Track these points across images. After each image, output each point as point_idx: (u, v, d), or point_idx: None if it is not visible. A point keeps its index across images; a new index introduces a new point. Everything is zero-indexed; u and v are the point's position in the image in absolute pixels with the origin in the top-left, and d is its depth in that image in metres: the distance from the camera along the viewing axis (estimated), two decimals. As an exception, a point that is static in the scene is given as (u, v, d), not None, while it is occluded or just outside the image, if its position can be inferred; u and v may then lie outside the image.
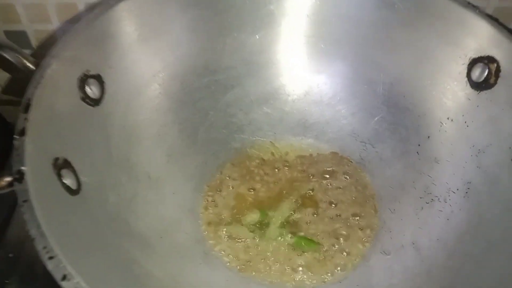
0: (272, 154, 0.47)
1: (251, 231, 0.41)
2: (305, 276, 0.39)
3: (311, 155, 0.46)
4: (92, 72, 0.38)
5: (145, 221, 0.38)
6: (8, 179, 0.28)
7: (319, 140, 0.47)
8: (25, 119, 0.30)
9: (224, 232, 0.41)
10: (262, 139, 0.47)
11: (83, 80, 0.37)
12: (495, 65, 0.38)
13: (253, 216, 0.42)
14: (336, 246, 0.40)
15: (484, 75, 0.39)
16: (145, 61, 0.43)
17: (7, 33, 0.51)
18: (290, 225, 0.41)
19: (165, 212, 0.40)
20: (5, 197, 0.29)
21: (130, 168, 0.40)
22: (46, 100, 0.32)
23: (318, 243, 0.40)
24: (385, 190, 0.43)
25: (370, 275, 0.38)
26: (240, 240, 0.40)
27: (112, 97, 0.39)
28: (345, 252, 0.40)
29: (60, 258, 0.25)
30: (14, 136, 0.29)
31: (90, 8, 0.49)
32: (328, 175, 0.45)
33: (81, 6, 0.49)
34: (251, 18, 0.46)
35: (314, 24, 0.46)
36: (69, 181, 0.32)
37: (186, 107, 0.45)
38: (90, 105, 0.37)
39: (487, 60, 0.38)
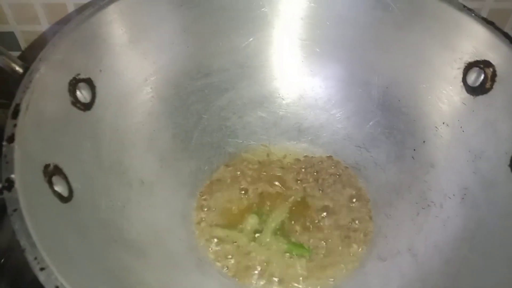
0: (266, 158, 0.46)
1: (245, 237, 0.40)
2: (299, 284, 0.38)
3: (305, 159, 0.46)
4: (83, 76, 0.37)
5: (138, 228, 0.37)
6: (-3, 186, 0.27)
7: (314, 144, 0.47)
8: (14, 125, 0.30)
9: (217, 239, 0.40)
10: (256, 143, 0.47)
11: (74, 84, 0.36)
12: (491, 69, 0.38)
13: (250, 222, 0.41)
14: (331, 252, 0.40)
15: (480, 79, 0.39)
16: (137, 64, 0.42)
17: (-6, 34, 0.50)
18: (283, 231, 0.41)
19: (158, 218, 0.39)
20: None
21: (122, 173, 0.39)
22: (35, 105, 0.32)
23: (310, 250, 0.39)
24: (380, 195, 0.42)
25: (366, 281, 0.38)
26: (233, 246, 0.40)
27: (103, 101, 0.38)
28: (340, 258, 0.39)
29: (51, 269, 0.25)
30: (3, 142, 0.28)
31: (80, 9, 0.48)
32: (323, 180, 0.44)
33: (70, 7, 0.48)
34: (244, 20, 0.45)
35: (308, 27, 0.45)
36: (60, 188, 0.31)
37: (179, 111, 0.45)
38: (80, 109, 0.36)
39: (483, 65, 0.38)
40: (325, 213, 0.42)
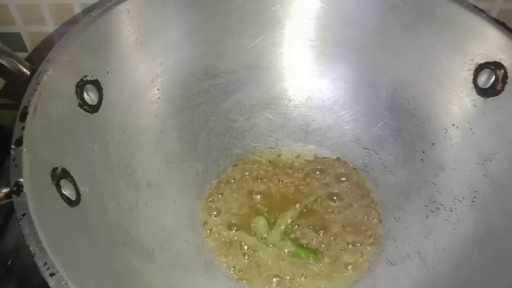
0: (274, 160, 0.46)
1: (252, 239, 0.40)
2: None
3: (313, 161, 0.46)
4: (90, 78, 0.37)
5: (145, 230, 0.37)
6: (5, 190, 0.27)
7: (321, 146, 0.47)
8: (22, 128, 0.29)
9: (225, 241, 0.40)
10: (264, 145, 0.47)
11: (81, 86, 0.36)
12: (503, 71, 0.37)
13: (257, 224, 0.41)
14: (340, 256, 0.39)
15: (491, 81, 0.38)
16: (144, 65, 0.42)
17: (1, 35, 0.49)
18: (291, 234, 0.40)
19: (165, 220, 0.39)
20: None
21: (129, 175, 0.39)
22: (43, 108, 0.31)
23: (318, 254, 0.39)
24: (389, 198, 0.42)
25: (375, 286, 0.37)
26: (241, 249, 0.39)
27: (111, 103, 0.38)
28: (349, 262, 0.39)
29: (61, 275, 0.24)
30: (11, 146, 0.28)
31: (87, 10, 0.48)
32: (331, 182, 0.44)
33: (77, 8, 0.48)
34: (253, 21, 0.45)
35: (317, 28, 0.45)
36: (68, 191, 0.31)
37: (186, 112, 0.45)
38: (88, 111, 0.36)
39: (494, 66, 0.38)
40: (333, 216, 0.42)
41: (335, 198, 0.43)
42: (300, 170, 0.45)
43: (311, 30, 0.45)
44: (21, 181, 0.27)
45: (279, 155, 0.46)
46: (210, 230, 0.41)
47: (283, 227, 0.40)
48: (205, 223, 0.41)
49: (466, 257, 0.35)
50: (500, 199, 0.36)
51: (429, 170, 0.41)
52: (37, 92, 0.32)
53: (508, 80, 0.37)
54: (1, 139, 0.47)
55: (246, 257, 0.39)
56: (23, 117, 0.30)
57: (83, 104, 0.36)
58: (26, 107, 0.31)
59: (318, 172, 0.45)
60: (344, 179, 0.44)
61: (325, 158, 0.46)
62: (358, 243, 0.40)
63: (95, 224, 0.32)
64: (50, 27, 0.50)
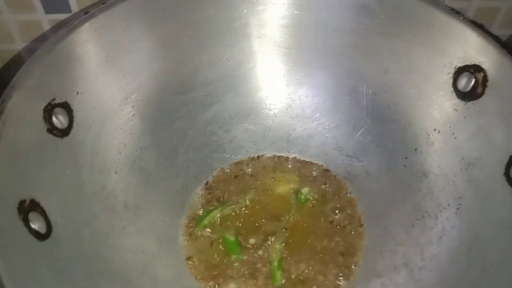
0: (255, 172, 0.45)
1: (234, 261, 0.39)
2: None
3: (296, 171, 0.45)
4: (58, 100, 0.35)
5: (123, 257, 0.36)
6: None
7: (303, 154, 0.46)
8: (-16, 162, 0.28)
9: (207, 263, 0.39)
10: (244, 157, 0.45)
11: (49, 110, 0.34)
12: (482, 74, 0.37)
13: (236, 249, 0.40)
14: (322, 270, 0.38)
15: (471, 84, 0.37)
16: (116, 82, 0.40)
17: (-33, 55, 0.48)
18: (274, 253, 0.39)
19: (144, 245, 0.38)
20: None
21: (105, 199, 0.38)
22: (8, 138, 0.30)
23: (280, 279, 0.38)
24: (373, 207, 0.41)
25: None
26: (225, 273, 0.38)
27: (82, 125, 0.37)
28: (333, 275, 0.38)
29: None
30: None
31: (56, 26, 0.47)
32: (314, 192, 0.43)
33: (46, 25, 0.47)
34: (226, 31, 0.44)
35: (292, 35, 0.44)
36: (37, 225, 0.30)
37: (163, 128, 0.43)
38: (58, 136, 0.35)
39: (474, 69, 0.37)
40: (317, 230, 0.41)
41: (316, 208, 0.42)
42: (282, 181, 0.44)
43: (287, 38, 0.44)
44: (-17, 221, 0.26)
45: (260, 166, 0.45)
46: (192, 253, 0.39)
47: (276, 263, 0.39)
48: (186, 245, 0.40)
49: (453, 268, 0.34)
50: (485, 207, 0.35)
51: (412, 176, 0.41)
52: (0, 121, 0.30)
53: (488, 83, 0.36)
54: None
55: (230, 281, 0.38)
56: (-15, 149, 0.29)
57: (52, 129, 0.34)
58: (-12, 139, 0.29)
59: (301, 182, 0.44)
60: (326, 188, 0.43)
61: (307, 167, 0.45)
62: (343, 255, 0.39)
63: (69, 257, 0.31)
64: (18, 45, 0.48)
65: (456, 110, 0.39)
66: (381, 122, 0.43)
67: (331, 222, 0.41)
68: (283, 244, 0.39)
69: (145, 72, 0.42)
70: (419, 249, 0.37)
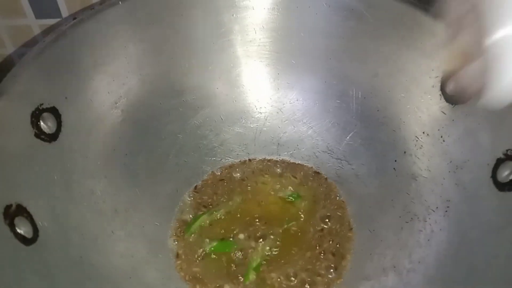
0: (245, 176, 0.45)
1: (225, 265, 0.39)
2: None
3: (286, 174, 0.45)
4: (46, 105, 0.35)
5: (112, 261, 0.36)
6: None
7: (294, 158, 0.46)
8: (-30, 167, 0.28)
9: (198, 267, 0.39)
10: (235, 160, 0.46)
11: (37, 115, 0.34)
12: (469, 77, 0.37)
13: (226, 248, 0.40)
14: (312, 271, 0.38)
15: (458, 87, 0.37)
16: (105, 87, 0.40)
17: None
18: (266, 261, 0.39)
19: (134, 249, 0.38)
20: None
21: (94, 203, 0.38)
22: (-5, 143, 0.30)
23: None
24: (363, 209, 0.41)
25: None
26: (214, 275, 0.38)
27: (71, 130, 0.37)
28: (322, 278, 0.38)
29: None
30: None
31: (46, 31, 0.47)
32: (303, 195, 0.43)
33: (36, 29, 0.47)
34: (216, 35, 0.44)
35: (282, 39, 0.44)
36: (24, 229, 0.30)
37: (153, 131, 0.43)
38: (45, 141, 0.35)
39: (461, 73, 0.37)
40: (306, 232, 0.41)
41: (306, 211, 0.42)
42: (272, 183, 0.44)
43: (277, 42, 0.44)
44: (-32, 227, 0.26)
45: (251, 170, 0.45)
46: (182, 256, 0.39)
47: (254, 264, 0.39)
48: (177, 248, 0.40)
49: (440, 270, 0.34)
50: (473, 210, 0.35)
51: (401, 179, 0.41)
52: (-14, 126, 0.30)
53: (475, 86, 0.36)
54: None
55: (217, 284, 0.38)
56: (-29, 155, 0.29)
57: (39, 134, 0.34)
58: (-26, 144, 0.29)
59: (291, 186, 0.44)
60: (317, 192, 0.43)
61: (297, 170, 0.45)
62: (333, 257, 0.39)
63: (56, 261, 0.31)
64: (9, 49, 0.49)
65: (444, 113, 0.39)
66: (371, 125, 0.43)
67: (321, 225, 0.41)
68: (269, 248, 0.39)
69: (134, 77, 0.42)
70: (407, 251, 0.37)
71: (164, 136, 0.44)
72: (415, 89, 0.40)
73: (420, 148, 0.40)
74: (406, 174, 0.41)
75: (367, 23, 0.41)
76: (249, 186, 0.44)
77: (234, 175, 0.45)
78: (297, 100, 0.46)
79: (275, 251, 0.39)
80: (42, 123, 0.35)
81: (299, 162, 0.45)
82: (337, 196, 0.43)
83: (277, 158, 0.46)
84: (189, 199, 0.43)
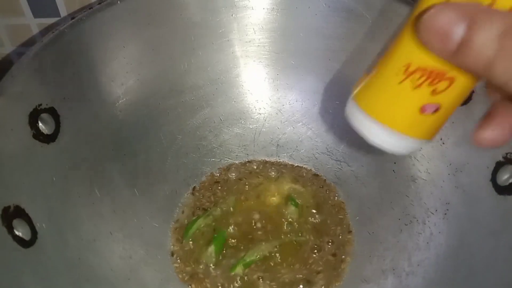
0: (244, 177, 0.44)
1: (221, 266, 0.39)
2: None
3: (285, 175, 0.45)
4: (44, 106, 0.35)
5: (110, 262, 0.35)
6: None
7: (293, 159, 0.46)
8: (-32, 169, 0.28)
9: (197, 268, 0.38)
10: (234, 161, 0.45)
11: (35, 116, 0.34)
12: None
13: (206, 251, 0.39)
14: (312, 273, 0.38)
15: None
16: (104, 87, 0.40)
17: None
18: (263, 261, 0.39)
19: (132, 250, 0.37)
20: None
21: (92, 204, 0.37)
22: (-8, 145, 0.30)
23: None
24: (362, 211, 0.41)
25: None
26: (210, 276, 0.38)
27: (69, 130, 0.37)
28: (322, 280, 0.38)
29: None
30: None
31: (45, 30, 0.47)
32: (302, 197, 0.43)
33: (34, 28, 0.47)
34: (215, 35, 0.44)
35: (281, 40, 0.44)
36: (22, 231, 0.30)
37: (152, 132, 0.43)
38: (44, 142, 0.35)
39: (461, 74, 0.37)
40: (305, 233, 0.40)
41: (305, 214, 0.42)
42: (271, 186, 0.44)
43: (276, 43, 0.44)
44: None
45: (250, 170, 0.45)
46: (180, 257, 0.39)
47: (253, 256, 0.39)
48: (175, 250, 0.40)
49: (439, 273, 0.34)
50: (472, 213, 0.35)
51: (401, 181, 0.41)
52: (-16, 128, 0.30)
53: (475, 88, 0.36)
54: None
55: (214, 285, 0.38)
56: (-31, 156, 0.28)
57: (38, 135, 0.34)
58: (-28, 146, 0.29)
59: (289, 186, 0.44)
60: (316, 193, 0.43)
61: (296, 171, 0.45)
62: (333, 258, 0.39)
63: (54, 263, 0.31)
64: (7, 48, 0.48)
65: (444, 115, 0.39)
66: (370, 127, 0.43)
67: (320, 227, 0.41)
68: (267, 249, 0.39)
69: (133, 77, 0.42)
70: (406, 254, 0.37)
71: (162, 137, 0.44)
72: (414, 91, 0.40)
73: (420, 150, 0.40)
74: (406, 176, 0.41)
75: (366, 24, 0.41)
76: (247, 187, 0.44)
77: (234, 177, 0.45)
78: (296, 101, 0.46)
79: (273, 253, 0.39)
80: (40, 124, 0.34)
81: (298, 163, 0.45)
82: (336, 198, 0.43)
83: (276, 159, 0.46)
84: (188, 200, 0.43)
